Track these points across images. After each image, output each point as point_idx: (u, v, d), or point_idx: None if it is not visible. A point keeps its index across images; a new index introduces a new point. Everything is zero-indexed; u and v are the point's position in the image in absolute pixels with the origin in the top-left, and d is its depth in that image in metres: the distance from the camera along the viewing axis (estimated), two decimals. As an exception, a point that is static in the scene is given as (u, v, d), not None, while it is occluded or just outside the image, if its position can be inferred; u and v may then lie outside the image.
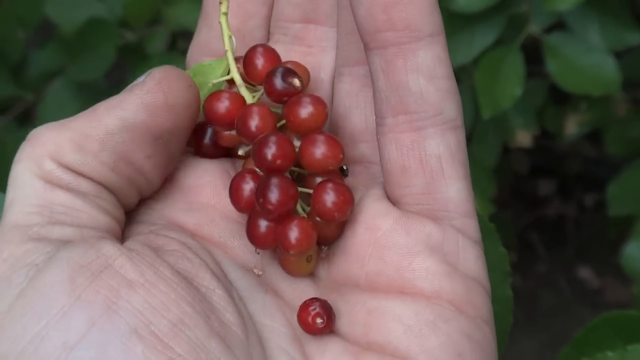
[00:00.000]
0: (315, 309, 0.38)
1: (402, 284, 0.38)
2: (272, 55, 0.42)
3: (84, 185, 0.38)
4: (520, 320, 1.59)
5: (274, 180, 0.38)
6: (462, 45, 1.01)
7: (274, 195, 0.38)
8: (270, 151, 0.38)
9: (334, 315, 0.39)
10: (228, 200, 0.40)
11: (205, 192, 0.41)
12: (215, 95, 0.41)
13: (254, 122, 0.40)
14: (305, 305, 0.38)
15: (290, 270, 0.40)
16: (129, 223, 0.41)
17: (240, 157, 0.42)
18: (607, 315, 0.63)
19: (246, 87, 0.42)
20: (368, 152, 0.42)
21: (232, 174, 0.42)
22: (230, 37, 0.42)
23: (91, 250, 0.35)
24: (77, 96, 1.03)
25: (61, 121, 0.38)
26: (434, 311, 0.37)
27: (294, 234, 0.38)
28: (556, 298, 1.64)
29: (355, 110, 0.42)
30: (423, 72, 0.38)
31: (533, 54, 1.07)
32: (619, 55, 1.04)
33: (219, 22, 0.42)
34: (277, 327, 0.38)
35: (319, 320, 0.38)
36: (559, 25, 1.03)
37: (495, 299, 0.61)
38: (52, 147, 0.37)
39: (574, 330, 1.42)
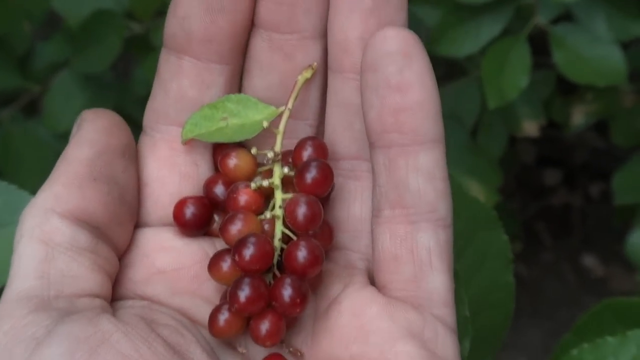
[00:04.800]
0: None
1: None
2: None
3: (83, 238, 0.39)
4: (525, 308, 1.59)
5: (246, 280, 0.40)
6: (469, 35, 1.02)
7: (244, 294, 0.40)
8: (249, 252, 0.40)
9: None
10: (208, 285, 0.42)
11: (186, 277, 0.42)
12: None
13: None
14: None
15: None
16: (118, 297, 0.42)
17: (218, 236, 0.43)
18: (608, 302, 0.63)
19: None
20: (347, 241, 0.44)
21: (211, 255, 0.43)
22: (296, 97, 0.43)
23: (89, 325, 0.36)
24: (83, 88, 1.04)
25: (44, 184, 0.41)
26: None
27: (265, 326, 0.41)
28: (561, 287, 1.65)
29: (338, 201, 0.44)
30: (422, 173, 0.40)
31: (540, 45, 1.07)
32: (625, 46, 1.04)
33: (296, 80, 0.43)
34: None
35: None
36: (565, 16, 1.03)
37: (498, 286, 0.62)
38: (51, 201, 0.39)
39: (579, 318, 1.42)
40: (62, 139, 1.04)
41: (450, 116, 1.14)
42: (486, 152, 1.20)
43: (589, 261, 1.67)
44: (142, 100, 0.43)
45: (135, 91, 1.03)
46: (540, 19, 1.01)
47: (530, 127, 1.22)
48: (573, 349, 0.55)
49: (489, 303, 0.62)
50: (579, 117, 1.25)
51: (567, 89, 1.26)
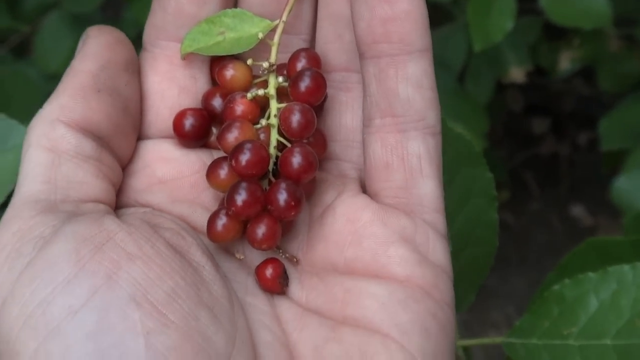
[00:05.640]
0: (269, 267, 0.42)
1: (378, 268, 0.41)
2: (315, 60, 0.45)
3: (88, 147, 0.41)
4: (512, 258, 1.60)
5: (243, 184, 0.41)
6: (456, -22, 1.02)
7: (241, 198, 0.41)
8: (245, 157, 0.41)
9: (287, 275, 0.42)
10: (206, 194, 0.44)
11: (185, 186, 0.44)
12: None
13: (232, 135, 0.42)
14: (263, 264, 0.42)
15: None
16: (121, 205, 0.43)
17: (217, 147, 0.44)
18: (591, 241, 0.64)
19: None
20: (339, 150, 0.46)
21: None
22: (290, 10, 0.44)
23: (94, 224, 0.38)
24: (73, 28, 1.04)
25: (50, 97, 0.42)
26: (405, 292, 0.40)
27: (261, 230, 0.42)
28: (549, 236, 1.65)
29: (330, 112, 0.46)
30: (411, 82, 0.42)
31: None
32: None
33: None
34: (259, 305, 0.41)
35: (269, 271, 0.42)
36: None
37: (481, 223, 0.62)
38: (57, 111, 0.41)
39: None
40: (52, 79, 1.04)
41: (437, 61, 1.14)
42: (473, 98, 1.20)
43: (577, 211, 1.68)
44: (132, 42, 0.44)
45: (125, 32, 1.02)
46: (527, -38, 1.02)
47: (517, 73, 1.22)
48: (555, 285, 0.56)
49: (473, 240, 0.62)
50: (565, 62, 1.26)
51: (554, 36, 1.26)
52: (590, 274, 0.55)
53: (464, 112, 1.16)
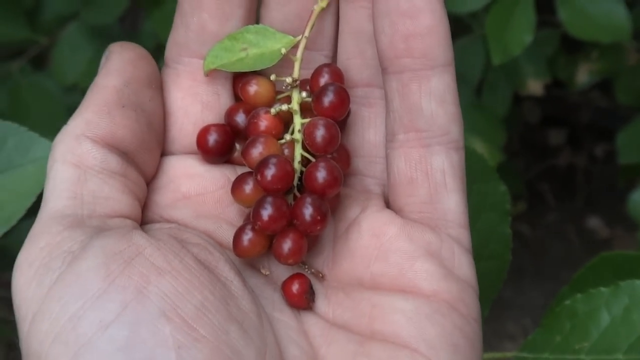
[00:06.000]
0: (295, 282, 0.42)
1: (404, 283, 0.41)
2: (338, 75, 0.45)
3: (113, 162, 0.41)
4: (528, 269, 1.60)
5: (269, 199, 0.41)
6: (474, -9, 1.02)
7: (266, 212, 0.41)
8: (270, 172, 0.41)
9: (313, 291, 0.42)
10: (231, 209, 0.44)
11: (210, 202, 0.44)
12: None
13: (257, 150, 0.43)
14: (289, 280, 0.42)
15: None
16: (147, 221, 0.43)
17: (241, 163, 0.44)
18: (605, 255, 0.64)
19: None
20: (362, 166, 0.46)
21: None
22: (312, 26, 0.44)
23: (123, 239, 0.38)
24: (91, 40, 1.04)
25: (75, 112, 0.42)
26: (432, 307, 0.40)
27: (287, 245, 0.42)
28: (565, 248, 1.65)
29: (353, 127, 0.46)
30: (435, 97, 0.42)
31: (545, 3, 1.08)
32: (630, 5, 1.05)
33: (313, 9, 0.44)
34: (286, 321, 0.41)
35: (295, 287, 0.42)
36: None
37: (495, 238, 0.62)
38: (82, 126, 0.41)
39: (581, 278, 1.42)
40: (70, 91, 1.05)
41: (454, 74, 1.14)
42: (490, 110, 1.20)
43: (593, 223, 1.68)
44: (151, 53, 0.44)
45: (144, 44, 1.03)
46: (545, -25, 1.02)
47: (535, 86, 1.22)
48: (567, 300, 0.56)
49: (486, 254, 0.62)
50: (583, 75, 1.25)
51: (572, 48, 1.26)
52: (602, 289, 0.55)
53: (481, 125, 1.16)
